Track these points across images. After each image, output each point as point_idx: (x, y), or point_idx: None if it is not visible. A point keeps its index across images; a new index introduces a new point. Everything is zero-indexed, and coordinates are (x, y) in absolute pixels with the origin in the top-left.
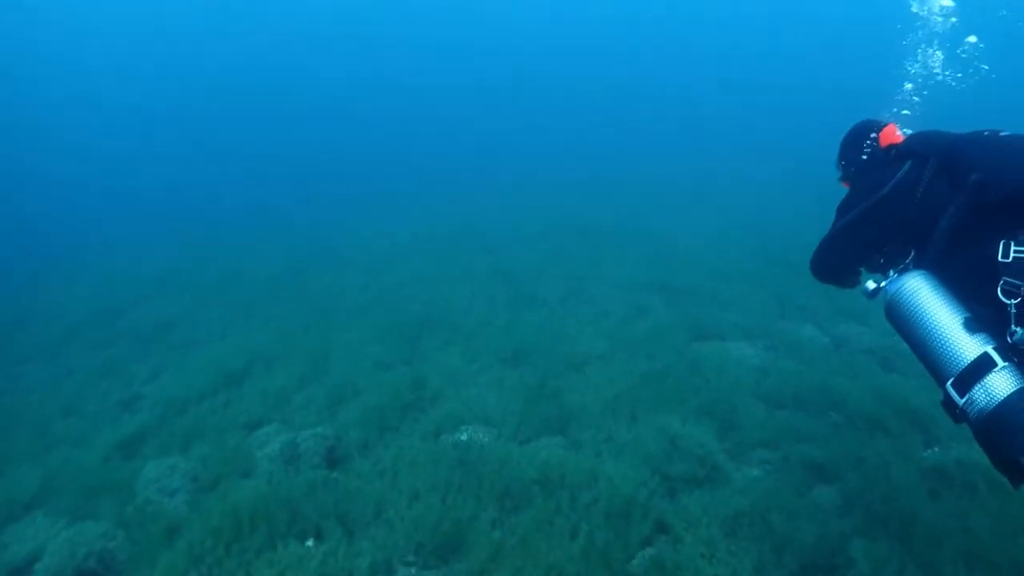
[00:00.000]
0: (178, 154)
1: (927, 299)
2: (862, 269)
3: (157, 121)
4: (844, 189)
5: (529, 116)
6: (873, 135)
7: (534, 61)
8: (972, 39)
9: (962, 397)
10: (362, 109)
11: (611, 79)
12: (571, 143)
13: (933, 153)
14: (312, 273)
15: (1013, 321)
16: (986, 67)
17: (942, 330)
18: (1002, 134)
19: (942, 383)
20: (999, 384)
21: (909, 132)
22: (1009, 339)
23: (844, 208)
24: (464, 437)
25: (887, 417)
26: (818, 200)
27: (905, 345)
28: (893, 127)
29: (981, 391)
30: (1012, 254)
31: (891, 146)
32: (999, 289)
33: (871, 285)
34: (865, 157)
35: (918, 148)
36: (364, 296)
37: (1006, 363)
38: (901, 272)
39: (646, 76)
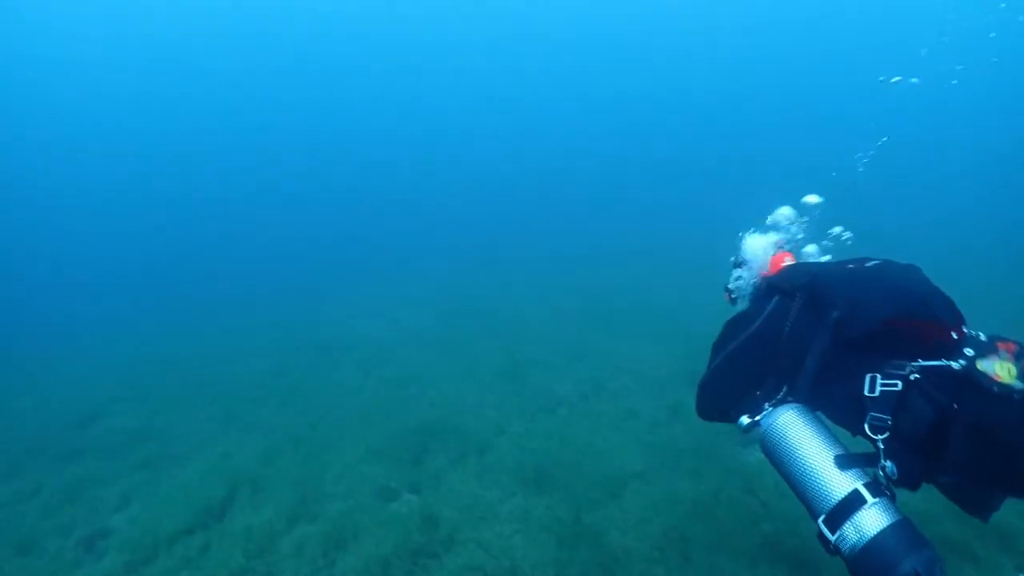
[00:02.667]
0: (154, 234)
1: (799, 434)
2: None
3: (132, 198)
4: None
5: (524, 187)
6: (756, 264)
7: (526, 133)
8: None
9: (833, 534)
10: (350, 184)
11: (604, 150)
12: (568, 214)
13: (798, 289)
14: (303, 370)
15: (882, 456)
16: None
17: (813, 466)
18: (867, 264)
19: (814, 518)
20: (869, 521)
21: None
22: (881, 473)
23: (718, 346)
24: None
25: (971, 540)
26: None
27: None
28: (781, 257)
29: (851, 528)
30: (879, 388)
31: (766, 277)
32: (867, 425)
33: (745, 420)
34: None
35: (784, 284)
36: (361, 399)
37: (876, 499)
38: (775, 406)
39: (641, 146)
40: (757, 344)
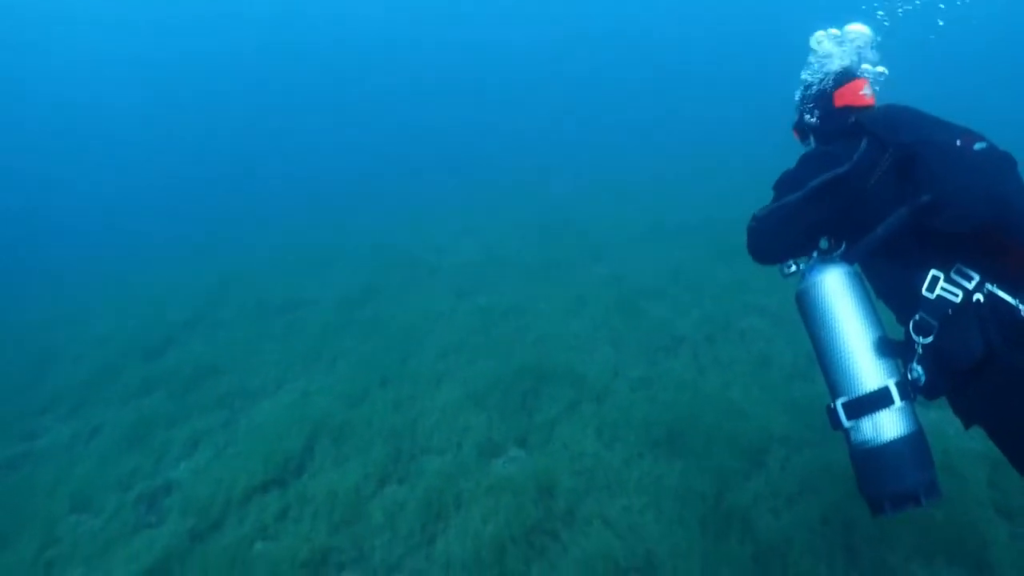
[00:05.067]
0: (226, 149)
1: (844, 303)
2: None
3: (192, 115)
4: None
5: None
6: (829, 87)
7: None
8: None
9: (849, 420)
10: (423, 97)
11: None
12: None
13: (893, 144)
14: (387, 294)
15: (916, 359)
16: None
17: (850, 345)
18: (976, 146)
19: (833, 396)
20: (889, 424)
21: (870, 93)
22: (909, 375)
23: (790, 181)
24: None
25: None
26: None
27: None
28: (860, 84)
29: (870, 424)
30: (938, 290)
31: (847, 109)
32: (913, 323)
33: (788, 268)
34: (816, 114)
35: (879, 131)
36: (453, 331)
37: (903, 402)
38: (824, 261)
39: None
40: (842, 187)
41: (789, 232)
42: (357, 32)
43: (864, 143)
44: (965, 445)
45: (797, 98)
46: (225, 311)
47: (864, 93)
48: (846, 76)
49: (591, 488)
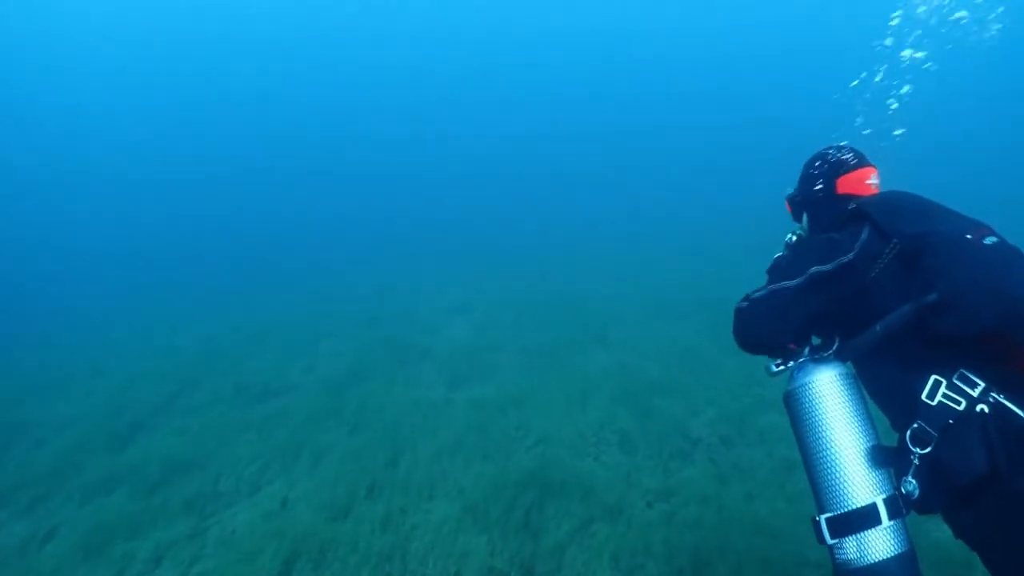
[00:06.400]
0: (200, 219)
1: (835, 409)
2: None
3: (172, 181)
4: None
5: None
6: (827, 169)
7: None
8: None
9: (832, 538)
10: (404, 164)
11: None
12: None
13: (897, 235)
14: (375, 381)
15: (912, 472)
16: None
17: (837, 455)
18: (986, 241)
19: (819, 509)
20: (875, 545)
21: (877, 183)
22: (903, 489)
23: (788, 267)
24: None
25: None
26: None
27: None
28: (866, 174)
29: (853, 544)
30: (939, 397)
31: (847, 196)
32: (909, 433)
33: (775, 366)
34: (819, 195)
35: (882, 221)
36: (446, 427)
37: (892, 522)
38: (817, 360)
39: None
40: (846, 278)
41: (782, 321)
42: (348, 102)
43: (866, 232)
44: None
45: (806, 168)
46: (200, 395)
47: (870, 183)
48: (846, 165)
49: None
